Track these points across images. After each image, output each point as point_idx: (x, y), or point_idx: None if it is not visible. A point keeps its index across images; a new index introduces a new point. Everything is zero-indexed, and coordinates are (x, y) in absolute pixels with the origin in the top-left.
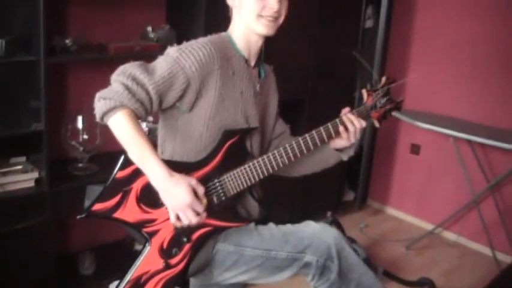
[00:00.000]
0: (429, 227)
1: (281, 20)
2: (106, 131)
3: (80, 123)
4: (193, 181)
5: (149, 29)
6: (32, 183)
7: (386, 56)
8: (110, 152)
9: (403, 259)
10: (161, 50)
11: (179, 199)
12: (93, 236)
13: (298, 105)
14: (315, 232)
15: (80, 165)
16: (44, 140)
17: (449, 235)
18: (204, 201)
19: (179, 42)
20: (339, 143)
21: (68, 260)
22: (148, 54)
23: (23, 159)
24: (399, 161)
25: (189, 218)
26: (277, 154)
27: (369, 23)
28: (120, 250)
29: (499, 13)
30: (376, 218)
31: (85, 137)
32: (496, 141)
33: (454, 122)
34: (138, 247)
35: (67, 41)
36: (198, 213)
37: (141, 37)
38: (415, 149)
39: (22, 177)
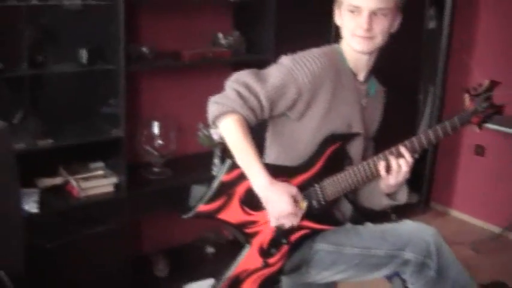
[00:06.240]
0: (496, 229)
1: (377, 40)
2: (180, 136)
3: (155, 129)
4: (293, 190)
5: (220, 35)
6: (111, 188)
7: (450, 57)
8: (183, 155)
9: (470, 262)
10: (233, 56)
11: (280, 208)
12: (166, 239)
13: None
14: (413, 229)
15: (155, 169)
16: (123, 145)
17: None
18: (303, 205)
19: (248, 49)
20: (383, 183)
21: (142, 262)
22: (220, 60)
23: (101, 164)
24: (463, 163)
25: (288, 223)
26: (376, 160)
27: (431, 24)
28: (192, 253)
29: None
30: (440, 220)
31: (160, 142)
32: None
33: None
34: (209, 250)
35: (144, 49)
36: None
37: (212, 43)
38: (480, 150)
39: (102, 182)
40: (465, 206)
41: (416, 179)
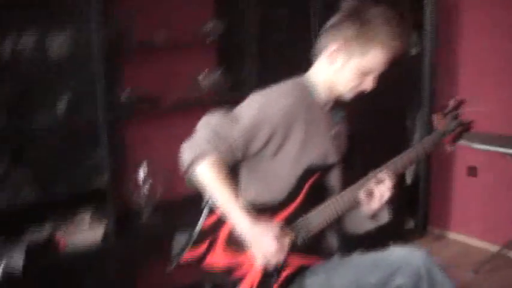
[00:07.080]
0: (495, 248)
1: None
2: (167, 180)
3: (141, 175)
4: (276, 228)
5: (200, 77)
6: (99, 238)
7: (435, 82)
8: (173, 200)
9: (472, 284)
10: (215, 97)
11: (265, 248)
12: (162, 285)
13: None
14: (403, 254)
15: (144, 216)
16: (109, 194)
17: None
18: (288, 240)
19: (232, 87)
20: (366, 208)
21: None
22: (203, 103)
23: (88, 214)
24: (457, 185)
25: (274, 260)
26: (357, 187)
27: (414, 51)
28: None
29: None
30: (439, 244)
31: (147, 188)
32: None
33: (510, 141)
34: None
35: (123, 97)
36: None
37: (194, 86)
38: (472, 171)
39: (89, 233)
40: (462, 227)
41: (411, 204)
